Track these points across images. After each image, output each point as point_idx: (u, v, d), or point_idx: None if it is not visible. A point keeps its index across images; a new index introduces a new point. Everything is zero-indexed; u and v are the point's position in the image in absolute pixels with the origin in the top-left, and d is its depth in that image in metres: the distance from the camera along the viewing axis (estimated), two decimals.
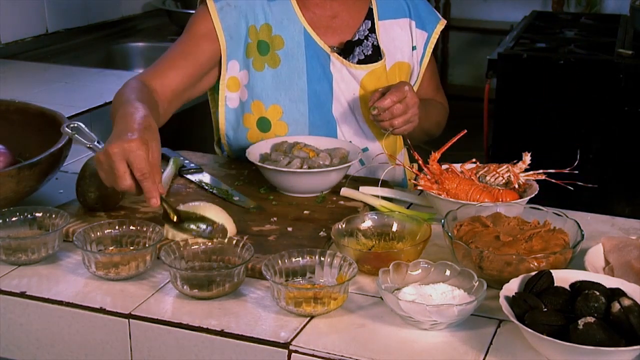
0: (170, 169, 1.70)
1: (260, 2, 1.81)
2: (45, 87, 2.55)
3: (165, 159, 1.79)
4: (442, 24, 1.96)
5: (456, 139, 1.71)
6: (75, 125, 1.49)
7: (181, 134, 2.93)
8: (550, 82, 3.01)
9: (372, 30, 1.87)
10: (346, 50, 1.84)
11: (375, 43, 1.86)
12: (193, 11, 3.82)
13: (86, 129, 1.49)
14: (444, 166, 1.60)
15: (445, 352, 1.14)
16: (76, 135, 1.46)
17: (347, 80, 1.84)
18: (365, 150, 1.85)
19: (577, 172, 1.56)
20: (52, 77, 2.67)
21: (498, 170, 1.59)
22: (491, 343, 1.16)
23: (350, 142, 1.80)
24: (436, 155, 1.60)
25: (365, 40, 1.86)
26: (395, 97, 1.68)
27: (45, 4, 3.09)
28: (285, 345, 1.15)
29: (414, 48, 1.91)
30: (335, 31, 1.85)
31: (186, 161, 1.76)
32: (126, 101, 1.53)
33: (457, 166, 1.61)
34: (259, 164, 1.62)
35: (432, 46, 1.94)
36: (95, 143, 1.45)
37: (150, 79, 1.73)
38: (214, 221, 1.39)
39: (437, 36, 1.94)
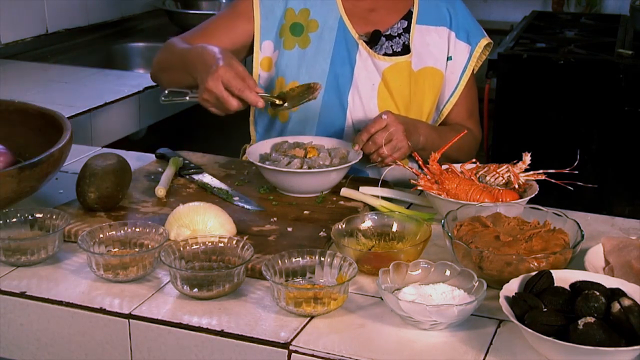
0: (170, 169, 1.69)
1: None
2: (45, 87, 2.54)
3: (165, 159, 1.79)
4: (486, 40, 1.95)
5: (456, 139, 1.71)
6: (166, 92, 1.74)
7: (181, 134, 2.94)
8: (551, 82, 3.01)
9: (407, 30, 1.91)
10: (373, 39, 1.88)
11: (406, 42, 1.90)
12: (193, 11, 3.84)
13: (176, 88, 1.74)
14: (444, 166, 1.60)
15: (445, 352, 1.14)
16: (173, 100, 1.71)
17: (370, 70, 1.88)
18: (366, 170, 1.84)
19: (577, 172, 1.56)
20: (52, 77, 2.66)
21: (498, 170, 1.59)
22: (491, 343, 1.16)
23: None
24: (436, 155, 1.60)
25: (397, 38, 1.90)
26: (373, 128, 1.67)
27: (45, 4, 3.09)
28: (285, 345, 1.15)
29: (449, 58, 1.93)
30: (370, 23, 1.90)
31: (186, 161, 1.76)
32: (189, 48, 1.78)
33: (457, 166, 1.61)
34: (259, 164, 1.62)
35: (475, 60, 1.94)
36: (191, 93, 1.70)
37: (188, 43, 1.87)
38: (309, 85, 1.69)
39: (481, 51, 1.94)
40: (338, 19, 1.88)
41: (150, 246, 1.36)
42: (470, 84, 1.97)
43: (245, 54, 1.96)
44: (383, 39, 1.89)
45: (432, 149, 1.76)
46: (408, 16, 1.92)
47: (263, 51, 1.91)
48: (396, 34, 1.90)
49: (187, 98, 1.69)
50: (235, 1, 1.94)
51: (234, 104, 1.60)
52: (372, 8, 1.91)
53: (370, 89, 1.88)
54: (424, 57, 1.91)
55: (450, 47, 1.93)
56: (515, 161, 1.60)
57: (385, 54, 1.89)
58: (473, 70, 1.97)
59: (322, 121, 1.89)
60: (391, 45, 1.89)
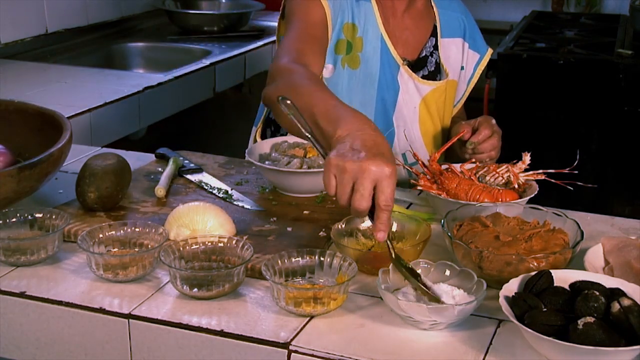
0: (170, 169, 1.69)
1: (350, 1, 1.83)
2: (45, 87, 2.54)
3: (165, 159, 1.79)
4: (491, 50, 2.03)
5: (456, 139, 1.72)
6: (290, 103, 1.32)
7: (181, 134, 2.94)
8: (550, 82, 3.01)
9: (436, 47, 1.93)
10: (417, 65, 1.90)
11: (437, 60, 1.93)
12: (193, 11, 3.83)
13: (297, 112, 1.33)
14: (444, 166, 1.60)
15: (445, 352, 1.14)
16: (291, 116, 1.31)
17: (411, 93, 1.88)
18: (416, 164, 1.81)
19: (576, 172, 1.56)
20: (52, 77, 2.66)
21: (498, 170, 1.59)
22: (491, 343, 1.16)
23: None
24: (436, 155, 1.60)
25: (430, 57, 1.92)
26: (489, 131, 1.75)
27: (45, 4, 3.09)
28: (285, 345, 1.15)
29: (462, 68, 1.98)
30: (405, 43, 1.90)
31: (186, 161, 1.76)
32: (340, 102, 1.37)
33: (456, 166, 1.61)
34: (259, 164, 1.62)
35: (482, 69, 2.01)
36: (313, 140, 1.30)
37: (310, 67, 1.64)
38: (424, 287, 1.21)
39: (486, 62, 2.01)
40: (380, 38, 1.84)
41: (150, 246, 1.36)
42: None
43: None
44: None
45: None
46: (434, 32, 1.94)
47: None
48: (429, 53, 1.92)
49: (307, 135, 1.30)
50: (306, 10, 1.78)
51: (364, 204, 1.20)
52: (405, 27, 1.90)
53: (412, 112, 1.90)
54: (447, 70, 1.95)
55: (464, 58, 1.97)
56: (515, 161, 1.60)
57: (423, 76, 1.90)
58: None
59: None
60: (426, 66, 1.91)
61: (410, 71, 1.88)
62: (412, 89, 1.88)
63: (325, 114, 1.33)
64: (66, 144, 1.52)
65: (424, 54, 1.92)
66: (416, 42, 1.92)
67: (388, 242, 1.25)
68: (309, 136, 1.30)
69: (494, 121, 1.79)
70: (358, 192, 1.20)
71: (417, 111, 1.90)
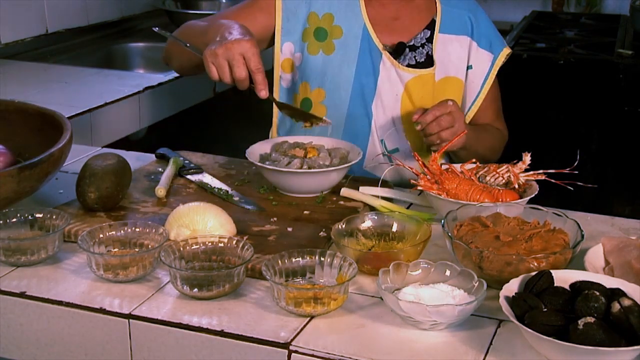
0: (170, 169, 1.69)
1: None
2: (45, 87, 2.54)
3: (165, 159, 1.79)
4: (507, 50, 1.97)
5: (455, 139, 1.72)
6: (167, 35, 1.78)
7: (181, 134, 2.94)
8: (550, 82, 3.01)
9: (430, 40, 1.91)
10: (397, 50, 1.88)
11: (429, 53, 1.91)
12: (193, 11, 3.83)
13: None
14: (444, 166, 1.60)
15: (445, 352, 1.14)
16: (170, 34, 1.77)
17: (393, 81, 1.88)
18: (395, 151, 1.88)
19: (576, 172, 1.56)
20: (52, 77, 2.66)
21: (498, 171, 1.59)
22: (491, 343, 1.16)
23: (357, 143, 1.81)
24: (436, 155, 1.60)
25: (420, 48, 1.90)
26: (438, 111, 1.71)
27: (45, 4, 3.09)
28: (285, 345, 1.15)
29: (469, 67, 1.93)
30: (394, 32, 1.90)
31: (186, 161, 1.76)
32: (217, 23, 1.74)
33: (457, 166, 1.61)
34: (259, 164, 1.62)
35: (497, 69, 1.95)
36: (189, 46, 1.71)
37: None
38: (320, 118, 1.69)
39: (503, 59, 1.96)
40: (362, 27, 1.87)
41: (150, 246, 1.36)
42: (494, 88, 1.98)
43: (262, 47, 1.92)
44: (407, 49, 1.89)
45: (471, 149, 1.82)
46: (431, 25, 1.92)
47: (284, 53, 1.89)
48: (419, 44, 1.91)
49: (187, 45, 1.71)
50: None
51: (242, 73, 1.57)
52: (396, 16, 1.91)
53: (393, 99, 1.89)
54: (446, 66, 1.91)
55: (471, 56, 1.93)
56: (515, 161, 1.60)
57: (409, 65, 1.89)
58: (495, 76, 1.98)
59: (347, 131, 1.88)
60: (414, 56, 1.89)
61: (392, 58, 1.87)
62: (394, 77, 1.88)
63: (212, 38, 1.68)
64: (66, 144, 1.52)
65: (411, 43, 1.90)
66: (406, 31, 1.90)
67: (272, 97, 1.68)
68: (189, 45, 1.71)
69: (450, 102, 1.73)
70: (234, 66, 1.57)
71: (400, 99, 1.88)
